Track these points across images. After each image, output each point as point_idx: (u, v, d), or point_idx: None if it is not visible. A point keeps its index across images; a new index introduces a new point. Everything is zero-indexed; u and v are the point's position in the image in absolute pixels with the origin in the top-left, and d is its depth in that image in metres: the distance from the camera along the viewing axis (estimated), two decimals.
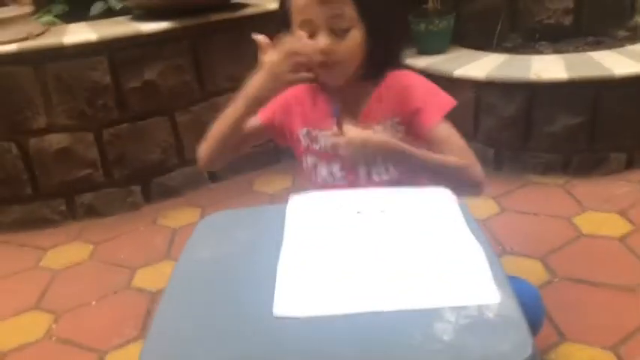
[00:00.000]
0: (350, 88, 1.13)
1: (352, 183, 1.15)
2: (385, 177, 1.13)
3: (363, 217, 0.89)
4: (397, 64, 1.17)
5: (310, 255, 0.81)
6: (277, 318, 0.70)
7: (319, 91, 1.18)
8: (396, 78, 1.14)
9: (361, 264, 0.77)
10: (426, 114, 1.10)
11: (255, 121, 1.20)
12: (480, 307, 0.67)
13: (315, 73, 1.09)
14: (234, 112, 1.13)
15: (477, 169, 1.08)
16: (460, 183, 1.02)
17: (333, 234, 0.85)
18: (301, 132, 1.19)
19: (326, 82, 1.13)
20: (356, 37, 1.06)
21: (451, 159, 1.06)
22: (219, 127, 1.16)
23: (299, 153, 1.23)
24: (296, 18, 1.07)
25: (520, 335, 0.64)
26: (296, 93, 1.20)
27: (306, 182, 1.24)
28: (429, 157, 1.04)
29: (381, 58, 1.11)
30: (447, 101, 1.13)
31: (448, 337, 0.63)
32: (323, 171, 1.18)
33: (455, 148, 1.09)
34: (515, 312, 0.67)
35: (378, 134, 1.04)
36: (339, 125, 1.01)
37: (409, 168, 1.07)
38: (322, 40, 1.05)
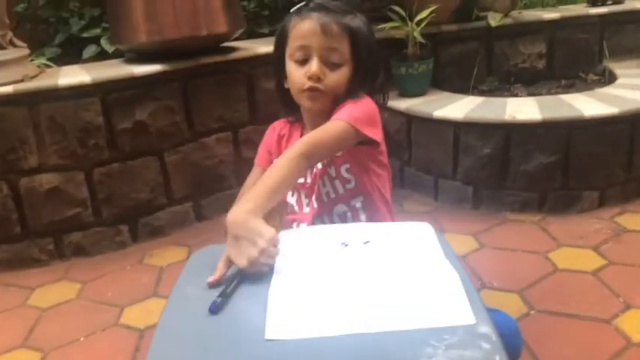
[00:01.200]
0: (319, 120, 1.18)
1: (311, 209, 1.22)
2: (334, 195, 1.20)
3: (348, 248, 0.94)
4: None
5: (300, 282, 0.86)
6: (269, 341, 0.74)
7: (296, 127, 1.30)
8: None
9: (348, 290, 0.83)
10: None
11: (258, 173, 1.29)
12: (460, 331, 0.73)
13: (299, 98, 1.19)
14: None
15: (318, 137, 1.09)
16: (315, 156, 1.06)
17: (320, 264, 0.90)
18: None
19: (307, 107, 1.21)
20: (345, 73, 1.16)
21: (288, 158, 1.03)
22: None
23: None
24: (294, 42, 1.16)
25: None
26: (278, 128, 1.32)
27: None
28: (260, 193, 0.98)
29: (358, 97, 1.18)
30: (356, 113, 1.13)
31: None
32: (291, 200, 1.25)
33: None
34: (493, 338, 0.73)
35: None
36: None
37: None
38: (315, 66, 1.13)
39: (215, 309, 0.84)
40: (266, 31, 2.94)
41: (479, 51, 2.98)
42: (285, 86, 1.23)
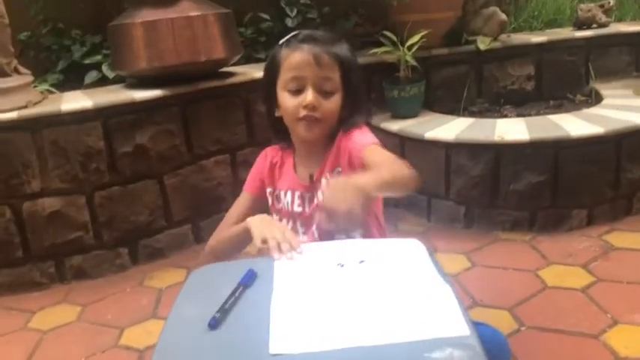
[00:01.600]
0: (314, 148, 1.26)
1: (309, 238, 1.26)
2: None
3: (344, 268, 0.98)
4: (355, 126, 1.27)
5: (300, 300, 0.91)
6: (273, 356, 0.78)
7: (287, 153, 1.33)
8: (342, 134, 1.26)
9: (347, 306, 0.87)
10: (359, 151, 1.20)
11: (246, 200, 1.35)
12: (445, 343, 0.78)
13: (295, 128, 1.23)
14: (236, 236, 1.24)
15: (404, 167, 1.15)
16: (406, 185, 1.12)
17: (318, 283, 0.95)
18: (268, 190, 1.34)
19: (303, 137, 1.24)
20: (337, 100, 1.22)
21: (392, 168, 1.12)
22: (220, 240, 1.30)
23: (270, 212, 1.35)
24: (287, 74, 1.20)
25: None
26: (270, 156, 1.36)
27: None
28: (378, 177, 1.06)
29: (350, 124, 1.25)
30: (372, 138, 1.23)
31: None
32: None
33: (382, 157, 1.17)
34: (477, 349, 0.77)
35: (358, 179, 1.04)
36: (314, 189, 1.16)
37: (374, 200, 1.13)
38: (310, 96, 1.17)
39: (214, 324, 0.88)
40: (263, 56, 3.02)
41: (469, 74, 3.06)
42: (276, 114, 1.27)
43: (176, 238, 2.51)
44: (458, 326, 0.81)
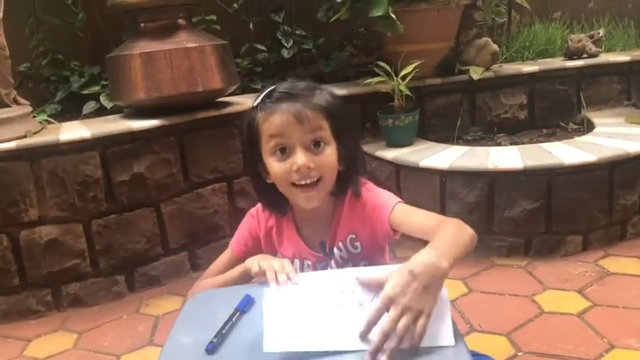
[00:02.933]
0: (318, 210, 1.14)
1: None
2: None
3: (343, 309, 0.90)
4: (357, 180, 1.17)
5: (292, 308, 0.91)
6: (267, 354, 0.79)
7: (286, 220, 1.20)
8: (351, 195, 1.17)
9: (339, 323, 0.88)
10: (381, 215, 1.12)
11: (228, 260, 1.24)
12: None
13: (290, 194, 1.11)
14: (231, 281, 1.16)
15: (460, 223, 1.05)
16: (471, 248, 1.02)
17: (312, 322, 0.90)
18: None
19: (303, 205, 1.12)
20: (332, 153, 1.08)
21: (449, 233, 1.00)
22: (213, 283, 1.20)
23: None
24: (269, 140, 1.06)
25: None
26: (263, 220, 1.23)
27: None
28: (449, 248, 0.96)
29: (351, 178, 1.14)
30: (392, 197, 1.15)
31: None
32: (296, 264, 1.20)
33: (423, 217, 1.09)
34: None
35: (416, 258, 0.91)
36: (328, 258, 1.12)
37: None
38: (301, 158, 1.04)
39: (212, 348, 0.89)
40: (259, 86, 3.07)
41: (462, 103, 3.11)
42: (268, 181, 1.13)
43: (173, 265, 2.51)
44: (445, 337, 0.84)
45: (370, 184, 1.20)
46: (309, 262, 1.19)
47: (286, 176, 1.07)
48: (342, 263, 1.16)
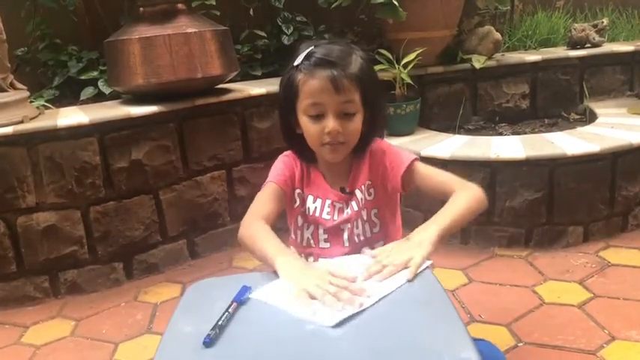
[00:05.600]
0: (340, 164, 1.28)
1: (334, 246, 1.27)
2: (363, 237, 1.28)
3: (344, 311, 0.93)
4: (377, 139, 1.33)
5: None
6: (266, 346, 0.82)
7: (312, 169, 1.33)
8: (370, 149, 1.30)
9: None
10: (397, 164, 1.27)
11: (272, 191, 1.28)
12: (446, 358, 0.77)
13: (319, 151, 1.25)
14: (260, 255, 1.16)
15: (473, 186, 1.23)
16: (476, 209, 1.20)
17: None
18: (296, 191, 1.32)
19: (328, 159, 1.26)
20: (359, 120, 1.22)
21: (459, 200, 1.19)
22: (256, 246, 1.18)
23: (292, 212, 1.34)
24: (305, 100, 1.19)
25: None
26: (298, 161, 1.33)
27: (294, 243, 1.36)
28: (451, 217, 1.15)
29: (371, 138, 1.29)
30: (410, 154, 1.30)
31: None
32: (307, 233, 1.30)
33: (441, 176, 1.28)
34: None
35: (419, 234, 1.12)
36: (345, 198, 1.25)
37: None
38: (332, 124, 1.17)
39: (209, 341, 0.88)
40: (259, 73, 3.04)
41: (464, 91, 3.08)
42: (297, 132, 1.26)
43: (171, 253, 2.50)
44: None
45: (381, 143, 1.32)
46: (330, 201, 1.29)
47: (318, 137, 1.20)
48: (362, 205, 1.28)
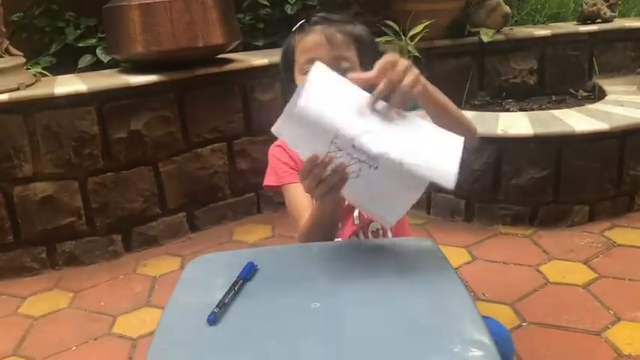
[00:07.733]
0: None
1: (344, 226, 1.23)
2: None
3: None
4: None
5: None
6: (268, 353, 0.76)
7: None
8: None
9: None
10: None
11: (293, 189, 1.21)
12: (456, 338, 0.74)
13: None
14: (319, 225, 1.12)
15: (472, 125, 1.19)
16: (465, 128, 1.12)
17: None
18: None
19: None
20: None
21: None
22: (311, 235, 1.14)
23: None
24: (301, 57, 1.17)
25: None
26: (282, 147, 1.26)
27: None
28: (442, 97, 1.11)
29: None
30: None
31: None
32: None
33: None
34: (488, 344, 0.74)
35: None
36: None
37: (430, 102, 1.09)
38: None
39: (213, 319, 0.84)
40: (261, 43, 2.97)
41: (471, 66, 3.02)
42: None
43: (170, 226, 2.47)
44: (446, 176, 0.87)
45: None
46: None
47: None
48: None
